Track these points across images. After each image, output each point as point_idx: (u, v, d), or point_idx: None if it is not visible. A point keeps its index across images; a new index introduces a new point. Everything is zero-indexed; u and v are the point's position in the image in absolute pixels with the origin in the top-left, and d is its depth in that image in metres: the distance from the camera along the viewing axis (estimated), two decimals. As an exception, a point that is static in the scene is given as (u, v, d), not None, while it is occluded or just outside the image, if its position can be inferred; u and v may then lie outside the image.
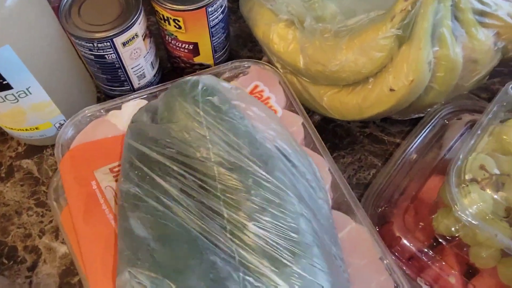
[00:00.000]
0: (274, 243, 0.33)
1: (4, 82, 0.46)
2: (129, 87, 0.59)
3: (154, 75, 0.61)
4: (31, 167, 0.59)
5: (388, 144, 0.59)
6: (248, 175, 0.36)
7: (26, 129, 0.54)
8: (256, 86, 0.51)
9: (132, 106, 0.51)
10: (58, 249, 0.54)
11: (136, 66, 0.56)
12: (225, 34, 0.59)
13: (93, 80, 0.62)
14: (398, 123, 0.59)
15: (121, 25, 0.51)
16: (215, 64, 0.62)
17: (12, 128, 0.54)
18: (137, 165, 0.40)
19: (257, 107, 0.44)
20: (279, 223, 0.34)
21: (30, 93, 0.49)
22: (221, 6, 0.55)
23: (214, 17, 0.54)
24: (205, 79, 0.44)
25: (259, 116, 0.42)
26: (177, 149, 0.39)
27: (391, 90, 0.45)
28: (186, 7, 0.52)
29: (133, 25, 0.51)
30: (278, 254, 0.33)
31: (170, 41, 0.58)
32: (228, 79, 0.53)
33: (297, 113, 0.49)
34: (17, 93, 0.48)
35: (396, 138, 0.59)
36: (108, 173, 0.45)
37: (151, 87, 0.52)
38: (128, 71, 0.56)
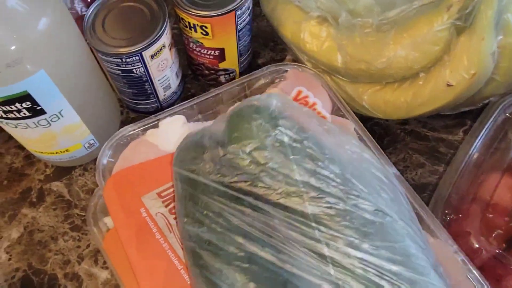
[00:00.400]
0: (386, 272, 0.30)
1: (38, 108, 0.44)
2: (155, 99, 0.57)
3: (178, 85, 0.59)
4: (61, 189, 0.57)
5: (433, 141, 0.56)
6: (343, 199, 0.32)
7: (56, 152, 0.52)
8: (299, 92, 0.48)
9: (169, 123, 0.48)
10: (99, 275, 0.52)
11: (163, 77, 0.54)
12: (250, 37, 0.57)
13: (116, 94, 0.60)
14: (442, 117, 0.56)
15: (148, 38, 0.49)
16: (240, 68, 0.60)
17: (41, 152, 0.52)
18: (202, 202, 0.35)
19: (328, 125, 0.39)
20: (387, 248, 0.31)
21: (62, 116, 0.47)
22: (248, 8, 0.52)
23: (241, 20, 0.52)
24: (275, 97, 0.37)
25: (334, 131, 0.38)
26: (252, 181, 0.33)
27: (449, 85, 0.43)
28: (214, 12, 0.49)
29: (161, 36, 0.49)
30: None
31: (194, 48, 0.56)
32: (265, 86, 0.50)
33: (346, 117, 0.46)
34: (49, 117, 0.46)
35: (441, 134, 0.57)
36: (156, 199, 0.42)
37: (186, 102, 0.49)
38: (155, 84, 0.54)
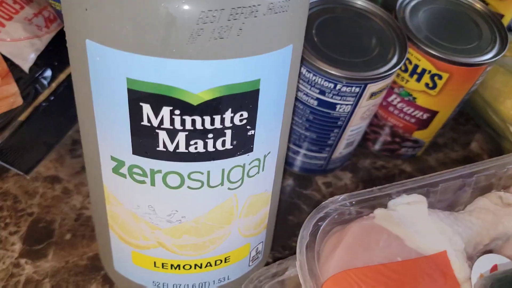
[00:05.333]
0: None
1: (249, 134, 0.22)
2: (326, 155, 0.39)
3: (355, 149, 0.41)
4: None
5: None
6: None
7: (208, 264, 0.27)
8: None
9: (409, 206, 0.28)
10: None
11: (357, 128, 0.37)
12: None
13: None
14: None
15: (380, 67, 0.31)
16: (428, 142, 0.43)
17: (180, 267, 0.28)
18: None
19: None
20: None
21: (263, 169, 0.24)
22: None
23: (484, 77, 0.36)
24: None
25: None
26: None
27: None
28: (465, 59, 0.33)
29: (393, 71, 0.32)
30: None
31: (392, 102, 0.38)
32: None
33: None
34: (250, 163, 0.23)
35: None
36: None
37: (421, 178, 0.30)
38: (344, 133, 0.36)
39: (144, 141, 0.21)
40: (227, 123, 0.21)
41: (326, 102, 0.33)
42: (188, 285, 0.29)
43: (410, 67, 0.35)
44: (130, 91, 0.19)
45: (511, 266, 0.28)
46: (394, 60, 0.33)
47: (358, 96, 0.32)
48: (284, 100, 0.23)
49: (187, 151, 0.21)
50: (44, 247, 0.35)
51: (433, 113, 0.38)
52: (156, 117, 0.20)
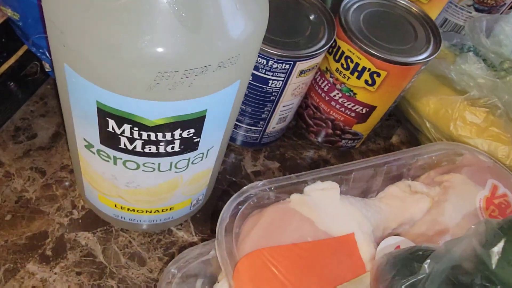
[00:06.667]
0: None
1: (195, 140, 0.27)
2: (261, 129, 0.44)
3: (287, 125, 0.46)
4: (92, 245, 0.38)
5: None
6: None
7: (155, 211, 0.34)
8: (495, 188, 0.37)
9: (322, 192, 0.34)
10: None
11: (289, 105, 0.42)
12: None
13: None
14: None
15: (309, 47, 0.36)
16: (369, 134, 0.48)
17: (133, 210, 0.34)
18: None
19: None
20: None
21: (206, 157, 0.30)
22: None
23: (418, 75, 0.41)
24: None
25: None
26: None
27: None
28: (401, 58, 0.38)
29: (321, 52, 0.37)
30: None
31: (334, 97, 0.43)
32: (429, 167, 0.39)
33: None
34: (194, 157, 0.29)
35: None
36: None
37: (337, 167, 0.35)
38: (277, 109, 0.41)
39: (108, 139, 0.27)
40: (177, 137, 0.26)
41: (259, 77, 0.37)
42: (140, 219, 0.36)
43: (351, 65, 0.39)
44: (99, 109, 0.24)
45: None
46: (322, 42, 0.37)
47: (288, 73, 0.37)
48: (229, 115, 0.28)
49: (142, 151, 0.27)
50: (-16, 227, 0.37)
51: (372, 108, 0.42)
52: (119, 128, 0.25)
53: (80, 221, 0.39)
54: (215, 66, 0.22)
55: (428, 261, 0.26)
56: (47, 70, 0.42)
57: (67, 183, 0.40)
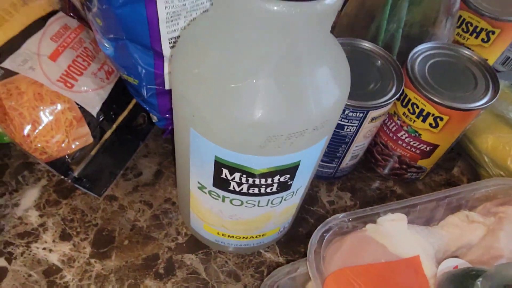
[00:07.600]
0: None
1: (289, 183, 0.34)
2: (335, 165, 0.50)
3: (358, 160, 0.52)
4: (196, 264, 0.45)
5: None
6: None
7: (249, 237, 0.41)
8: None
9: (392, 222, 0.39)
10: None
11: (361, 145, 0.47)
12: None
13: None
14: None
15: (381, 97, 0.42)
16: (432, 167, 0.52)
17: (231, 236, 0.41)
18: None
19: None
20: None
21: (295, 195, 0.36)
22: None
23: (478, 117, 0.45)
24: None
25: None
26: None
27: None
28: (462, 105, 0.42)
29: (391, 101, 0.42)
30: None
31: (403, 138, 0.48)
32: (483, 201, 0.42)
33: None
34: (287, 195, 0.36)
35: None
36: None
37: (405, 201, 0.40)
38: (350, 149, 0.47)
39: (220, 183, 0.33)
40: (275, 181, 0.33)
41: (337, 124, 0.43)
42: (237, 244, 0.43)
43: (417, 111, 0.44)
44: (216, 161, 0.31)
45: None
46: (392, 92, 0.42)
47: (362, 120, 0.42)
48: (316, 162, 0.35)
49: (247, 192, 0.34)
50: (108, 250, 0.45)
51: (435, 146, 0.47)
52: (231, 175, 0.32)
53: (184, 245, 0.46)
54: (311, 130, 0.29)
55: (481, 279, 0.31)
56: (154, 121, 0.50)
57: (171, 214, 0.48)
